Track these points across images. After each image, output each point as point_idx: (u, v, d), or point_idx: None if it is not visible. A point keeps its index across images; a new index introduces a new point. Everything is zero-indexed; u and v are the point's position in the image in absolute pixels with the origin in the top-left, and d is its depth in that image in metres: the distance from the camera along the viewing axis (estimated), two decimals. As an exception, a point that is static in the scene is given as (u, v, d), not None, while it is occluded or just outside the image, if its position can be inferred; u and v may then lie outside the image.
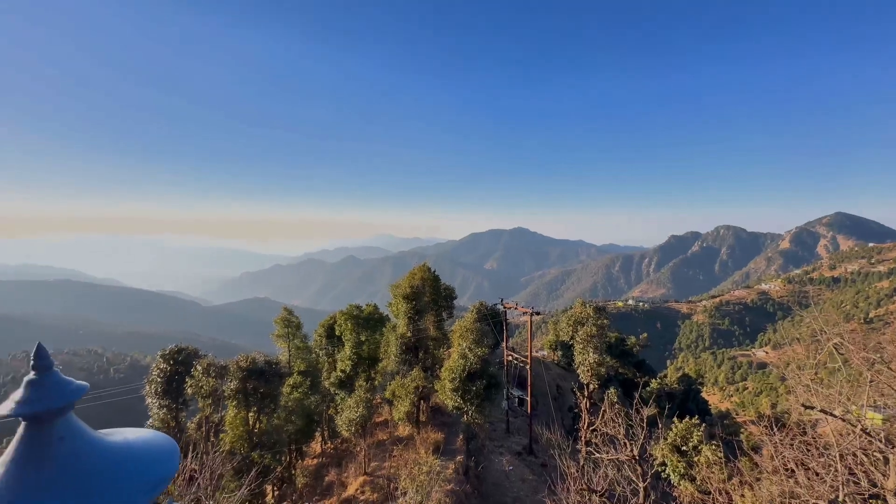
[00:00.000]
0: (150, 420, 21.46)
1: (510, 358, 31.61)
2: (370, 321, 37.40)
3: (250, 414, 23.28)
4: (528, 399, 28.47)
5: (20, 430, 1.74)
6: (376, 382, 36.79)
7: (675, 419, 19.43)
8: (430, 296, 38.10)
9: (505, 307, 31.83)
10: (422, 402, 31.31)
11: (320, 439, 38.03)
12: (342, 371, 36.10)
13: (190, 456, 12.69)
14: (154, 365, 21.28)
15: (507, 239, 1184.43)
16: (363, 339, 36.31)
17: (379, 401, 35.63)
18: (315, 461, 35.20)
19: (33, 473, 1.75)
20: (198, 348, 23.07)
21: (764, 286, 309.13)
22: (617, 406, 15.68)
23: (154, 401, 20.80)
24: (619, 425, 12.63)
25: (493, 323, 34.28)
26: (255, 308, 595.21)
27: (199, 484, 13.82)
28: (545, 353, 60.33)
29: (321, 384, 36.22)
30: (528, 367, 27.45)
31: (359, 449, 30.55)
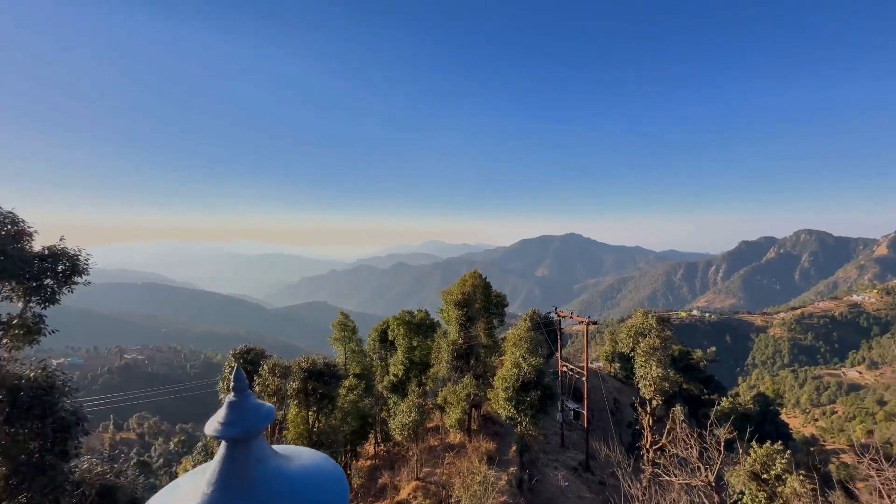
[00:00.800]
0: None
1: (565, 369, 30.52)
2: (422, 327, 37.87)
3: (310, 413, 24.31)
4: (585, 412, 27.28)
5: (222, 450, 1.80)
6: (428, 388, 37.09)
7: (753, 443, 17.65)
8: (481, 303, 37.85)
9: (559, 316, 30.86)
10: (473, 409, 31.04)
11: (374, 441, 38.90)
12: (395, 375, 36.79)
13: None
14: (226, 363, 22.99)
15: (558, 245, 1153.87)
16: (415, 344, 36.83)
17: (430, 406, 35.91)
18: (368, 462, 36.05)
19: (238, 495, 1.75)
20: (264, 349, 24.59)
21: (856, 297, 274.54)
22: (685, 425, 14.53)
23: (225, 396, 22.47)
24: (692, 447, 11.64)
25: (546, 332, 33.35)
26: (313, 311, 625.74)
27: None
28: (601, 364, 57.68)
29: (375, 387, 37.13)
30: (584, 378, 26.34)
31: (411, 453, 30.85)
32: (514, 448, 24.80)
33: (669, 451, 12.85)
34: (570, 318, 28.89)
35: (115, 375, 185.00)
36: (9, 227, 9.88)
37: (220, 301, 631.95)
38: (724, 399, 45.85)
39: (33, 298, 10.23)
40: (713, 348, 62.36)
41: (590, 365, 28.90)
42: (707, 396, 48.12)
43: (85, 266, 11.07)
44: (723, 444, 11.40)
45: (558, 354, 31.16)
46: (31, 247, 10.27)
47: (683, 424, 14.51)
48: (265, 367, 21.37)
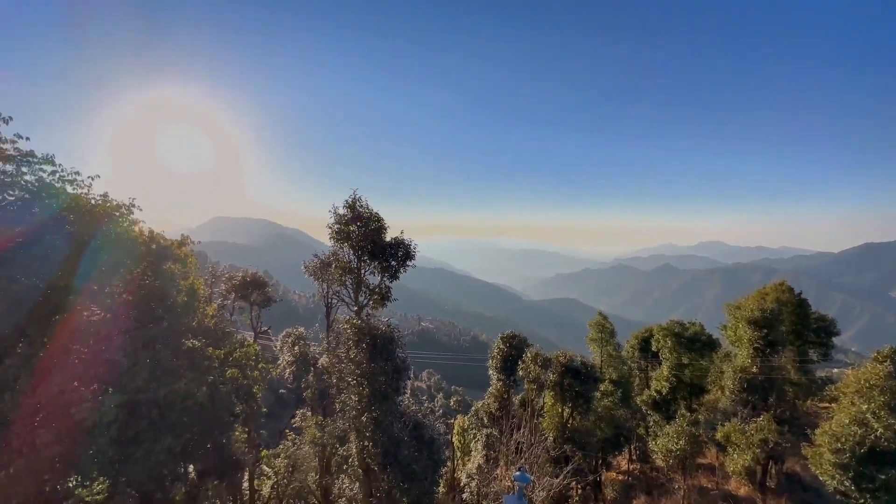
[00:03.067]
0: (490, 388, 26.72)
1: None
2: (695, 343, 32.16)
3: (565, 408, 24.76)
4: None
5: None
6: (700, 416, 31.27)
7: None
8: (790, 325, 28.89)
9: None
10: (770, 461, 24.08)
11: (628, 457, 36.07)
12: (657, 392, 32.81)
13: (522, 430, 14.77)
14: (495, 344, 26.35)
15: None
16: (685, 361, 31.66)
17: (704, 439, 30.19)
18: (620, 478, 33.66)
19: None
20: (526, 337, 26.74)
21: None
22: None
23: (494, 373, 25.79)
24: None
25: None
26: (565, 307, 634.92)
27: (525, 456, 15.79)
28: None
29: (632, 399, 34.26)
30: None
31: (676, 486, 26.87)
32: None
33: None
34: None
35: (415, 337, 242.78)
36: (375, 223, 14.89)
37: (486, 288, 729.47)
38: None
39: (385, 275, 14.96)
40: None
41: None
42: None
43: (414, 253, 15.29)
44: None
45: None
46: (384, 237, 15.04)
47: None
48: (528, 354, 23.12)
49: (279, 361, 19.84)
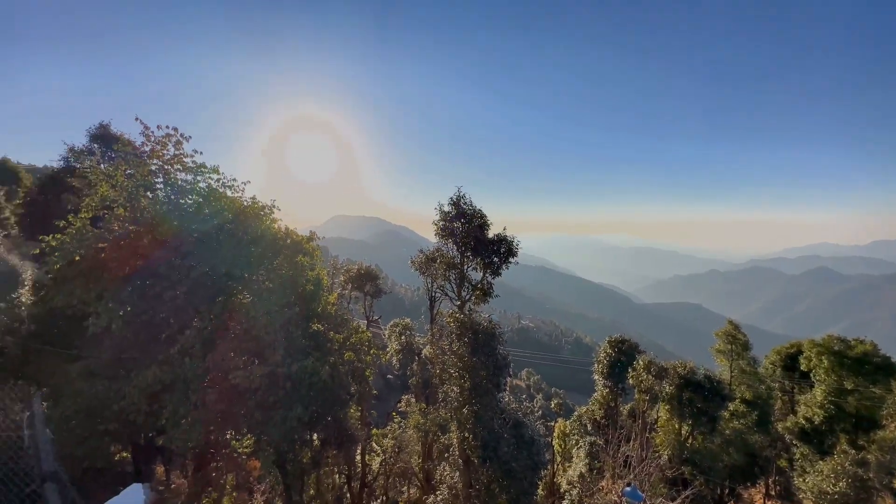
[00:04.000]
0: (595, 394, 25.18)
1: None
2: (863, 365, 26.13)
3: (684, 426, 22.18)
4: None
5: None
6: (870, 455, 25.29)
7: None
8: None
9: None
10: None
11: (764, 490, 30.87)
12: (806, 419, 27.43)
13: (632, 443, 13.62)
14: (601, 348, 24.68)
15: None
16: (849, 387, 25.92)
17: (876, 485, 24.39)
18: (755, 513, 29.03)
19: None
20: (638, 343, 24.52)
21: None
22: None
23: (599, 378, 24.21)
24: None
25: None
26: (684, 313, 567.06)
27: (635, 472, 14.54)
28: None
29: (772, 424, 29.17)
30: None
31: (832, 536, 22.23)
32: None
33: None
34: None
35: (515, 335, 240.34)
36: (478, 219, 15.12)
37: (592, 288, 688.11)
38: None
39: (487, 271, 15.13)
40: None
41: None
42: None
43: (516, 250, 15.18)
44: None
45: None
46: (487, 234, 15.20)
47: None
48: (641, 362, 21.24)
49: (387, 349, 21.38)
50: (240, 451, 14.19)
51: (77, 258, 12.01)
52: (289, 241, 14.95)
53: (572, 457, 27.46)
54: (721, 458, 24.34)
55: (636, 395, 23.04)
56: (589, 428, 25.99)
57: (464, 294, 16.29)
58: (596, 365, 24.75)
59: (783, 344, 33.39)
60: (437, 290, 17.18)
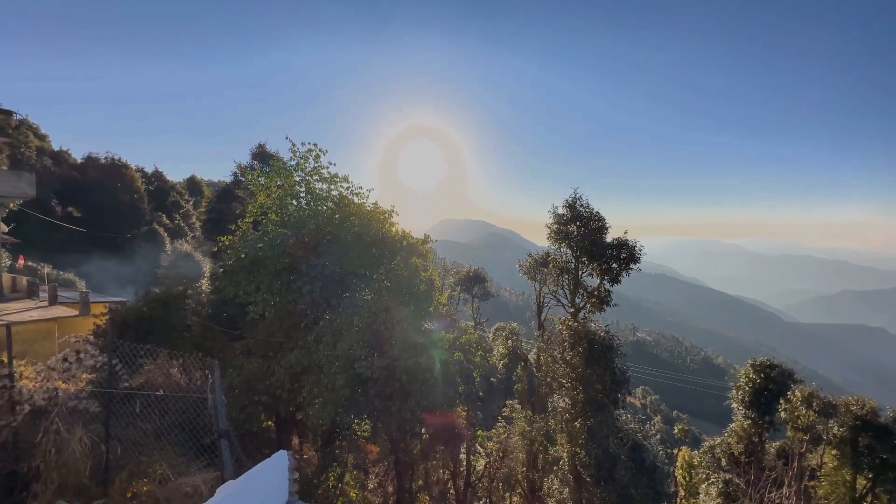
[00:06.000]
0: (733, 424, 21.61)
1: None
2: None
3: (860, 479, 17.76)
4: None
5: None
6: None
7: None
8: None
9: None
10: None
11: None
12: None
13: (784, 489, 11.30)
14: (743, 372, 21.05)
15: None
16: None
17: None
18: None
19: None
20: (793, 370, 20.35)
21: None
22: None
23: (739, 407, 20.68)
24: None
25: None
26: (856, 338, 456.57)
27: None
28: None
29: None
30: None
31: None
32: None
33: None
34: None
35: (629, 348, 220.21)
36: (596, 222, 14.25)
37: (726, 301, 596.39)
38: None
39: (605, 277, 14.14)
40: None
41: None
42: None
43: (639, 256, 13.90)
44: None
45: None
46: (605, 238, 14.22)
47: None
48: (798, 393, 17.66)
49: (493, 352, 21.37)
50: (359, 434, 15.57)
51: (243, 255, 14.52)
52: (405, 243, 15.95)
53: (699, 493, 24.01)
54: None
55: (789, 433, 19.18)
56: (723, 463, 22.41)
57: (578, 301, 15.44)
58: (735, 391, 21.19)
59: None
60: (548, 295, 16.60)
